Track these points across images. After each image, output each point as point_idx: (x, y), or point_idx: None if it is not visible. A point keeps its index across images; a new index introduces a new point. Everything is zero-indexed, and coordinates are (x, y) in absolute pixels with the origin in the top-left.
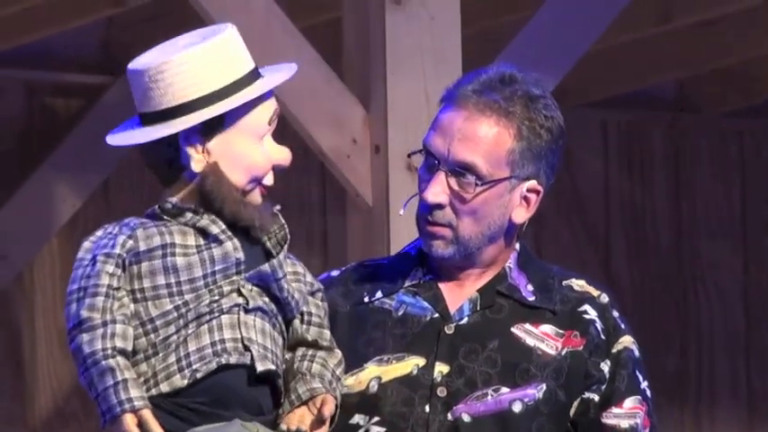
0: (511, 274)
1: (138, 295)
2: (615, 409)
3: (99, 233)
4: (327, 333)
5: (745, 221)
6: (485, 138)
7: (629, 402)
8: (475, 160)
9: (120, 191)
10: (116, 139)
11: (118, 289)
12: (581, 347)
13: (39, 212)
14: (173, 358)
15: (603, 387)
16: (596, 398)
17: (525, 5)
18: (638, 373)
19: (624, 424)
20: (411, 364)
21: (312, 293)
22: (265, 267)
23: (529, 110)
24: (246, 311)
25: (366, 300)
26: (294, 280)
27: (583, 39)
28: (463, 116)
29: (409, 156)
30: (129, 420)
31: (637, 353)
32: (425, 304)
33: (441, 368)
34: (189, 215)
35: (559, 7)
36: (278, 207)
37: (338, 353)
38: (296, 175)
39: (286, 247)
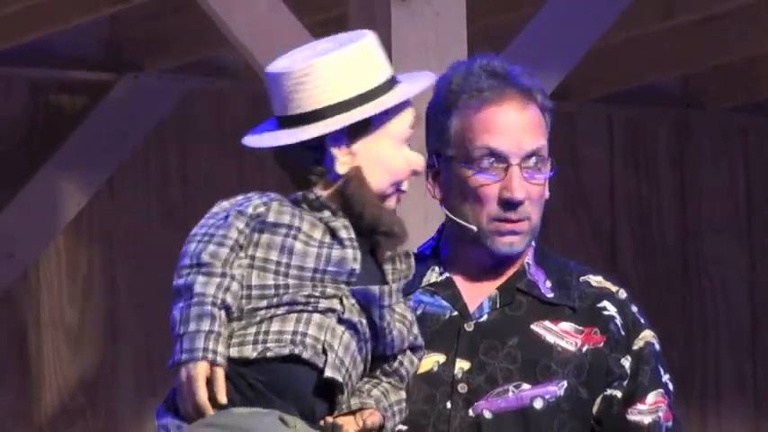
0: (529, 270)
1: (248, 261)
2: (639, 406)
3: (239, 197)
4: (404, 382)
5: (751, 217)
6: (538, 122)
7: (652, 397)
8: (541, 144)
9: (125, 188)
10: (256, 140)
11: (242, 247)
12: (601, 344)
13: (44, 210)
14: (252, 330)
15: (626, 383)
16: (619, 394)
17: (529, 2)
18: (659, 366)
19: (647, 420)
20: (431, 361)
21: (413, 348)
22: (374, 289)
23: (535, 84)
24: (340, 321)
25: None
26: (399, 320)
27: (586, 35)
28: (514, 108)
29: (472, 165)
30: (203, 369)
31: (657, 346)
32: (444, 303)
33: (461, 365)
34: (327, 213)
35: (563, 4)
36: (414, 250)
37: (402, 394)
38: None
39: (403, 282)
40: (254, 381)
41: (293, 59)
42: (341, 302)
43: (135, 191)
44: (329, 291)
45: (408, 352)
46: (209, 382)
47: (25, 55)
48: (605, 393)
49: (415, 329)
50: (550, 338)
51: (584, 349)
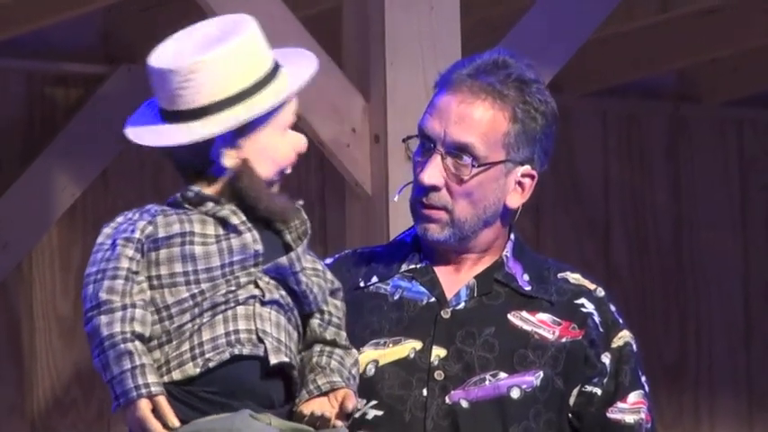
0: (508, 263)
1: (155, 282)
2: (620, 404)
3: (119, 219)
4: (344, 334)
5: (745, 211)
6: (481, 120)
7: (633, 397)
8: (472, 141)
9: (119, 179)
10: (145, 137)
11: (137, 273)
12: (580, 338)
13: (38, 201)
14: (186, 346)
15: (605, 380)
16: (599, 391)
17: None
18: (638, 368)
19: (629, 419)
20: (408, 347)
21: (332, 292)
22: (283, 260)
23: (523, 93)
24: (262, 304)
25: (361, 284)
26: (314, 275)
27: (583, 28)
28: (459, 99)
29: (404, 141)
30: (145, 406)
31: (635, 347)
32: (422, 289)
33: (438, 352)
34: (210, 204)
35: None
36: (301, 202)
37: (354, 353)
38: (295, 164)
39: (306, 241)
40: (206, 394)
41: (175, 50)
42: (257, 286)
43: (129, 182)
44: (243, 280)
45: (329, 298)
46: (156, 414)
47: (20, 47)
48: (584, 389)
49: (329, 275)
50: (527, 328)
51: (563, 340)
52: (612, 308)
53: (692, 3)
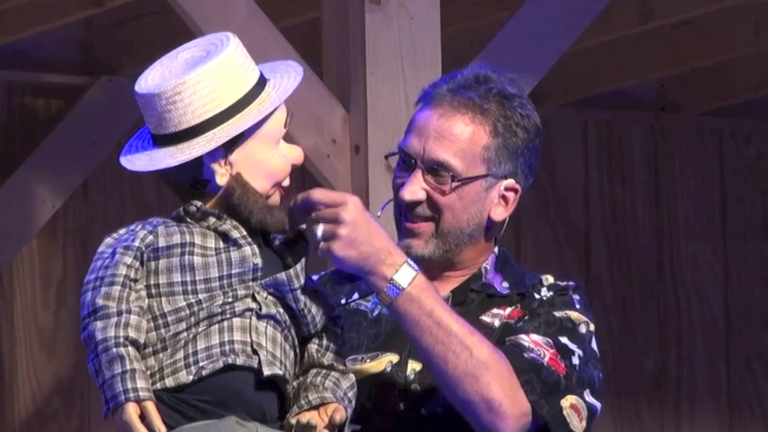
0: (486, 275)
1: (153, 291)
2: (522, 336)
3: (122, 231)
4: (343, 360)
5: (725, 221)
6: (459, 135)
7: (536, 336)
8: (449, 158)
9: (99, 191)
10: (136, 163)
11: (135, 281)
12: (514, 320)
13: (18, 213)
14: (180, 354)
15: (525, 318)
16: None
17: (505, 6)
18: (572, 341)
19: (524, 342)
20: (384, 361)
21: (332, 319)
22: (282, 276)
23: (504, 108)
24: (259, 317)
25: (343, 302)
26: (314, 297)
27: (563, 39)
28: (438, 114)
29: (386, 157)
30: (132, 410)
31: (583, 329)
32: None
33: (413, 366)
34: (212, 220)
35: (539, 7)
36: (303, 226)
37: (352, 377)
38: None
39: (305, 260)
40: (198, 403)
41: (159, 74)
42: (254, 300)
43: (110, 194)
44: (240, 292)
45: (329, 325)
46: (144, 420)
47: (1, 57)
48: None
49: (330, 302)
50: (498, 324)
51: (497, 324)
52: (576, 296)
53: (672, 13)
